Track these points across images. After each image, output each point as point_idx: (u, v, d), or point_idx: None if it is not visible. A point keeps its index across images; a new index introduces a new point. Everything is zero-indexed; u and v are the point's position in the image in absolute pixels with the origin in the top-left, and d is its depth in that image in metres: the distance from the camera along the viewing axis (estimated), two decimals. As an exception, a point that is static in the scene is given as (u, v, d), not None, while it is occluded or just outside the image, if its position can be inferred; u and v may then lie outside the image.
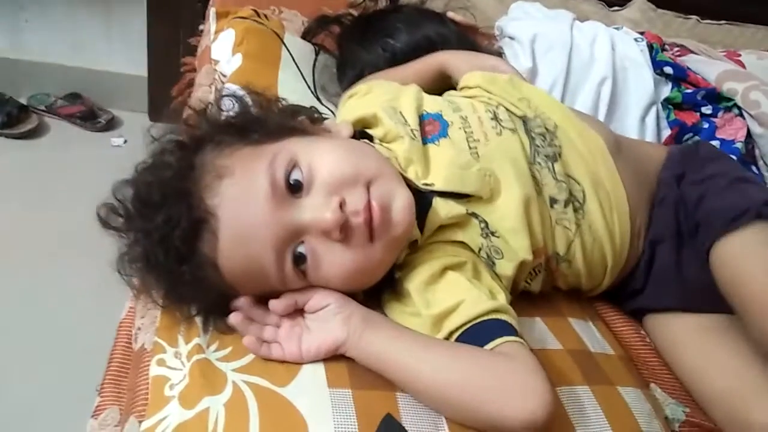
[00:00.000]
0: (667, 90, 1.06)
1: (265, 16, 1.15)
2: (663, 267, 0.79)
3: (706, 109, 1.03)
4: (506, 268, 0.69)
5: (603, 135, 0.80)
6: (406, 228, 0.63)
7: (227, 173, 0.60)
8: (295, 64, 1.07)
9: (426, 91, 0.82)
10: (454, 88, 0.89)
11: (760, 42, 1.59)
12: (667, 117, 1.03)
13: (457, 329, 0.61)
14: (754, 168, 1.00)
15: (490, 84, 0.82)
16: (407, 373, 0.58)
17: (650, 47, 1.11)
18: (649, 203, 0.81)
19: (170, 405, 0.56)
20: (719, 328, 0.76)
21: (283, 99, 0.77)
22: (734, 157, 0.97)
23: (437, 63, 0.93)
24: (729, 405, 0.69)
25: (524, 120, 0.76)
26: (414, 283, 0.65)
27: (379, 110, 0.76)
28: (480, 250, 0.70)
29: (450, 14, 1.07)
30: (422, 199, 0.68)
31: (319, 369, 0.59)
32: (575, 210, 0.74)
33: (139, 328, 0.70)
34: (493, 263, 0.70)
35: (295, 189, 0.61)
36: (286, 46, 1.08)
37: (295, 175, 0.61)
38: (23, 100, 1.98)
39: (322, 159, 0.62)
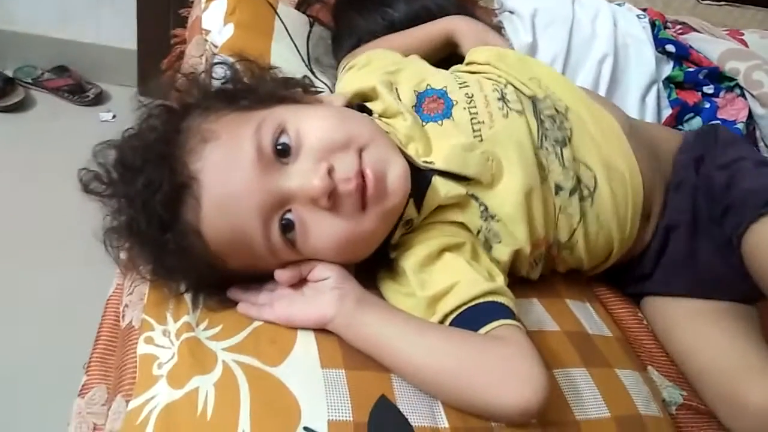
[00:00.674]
0: (668, 68, 1.05)
1: (258, -15, 1.12)
2: (675, 254, 0.77)
3: (708, 89, 1.01)
4: (503, 253, 0.68)
5: (617, 116, 0.77)
6: (401, 198, 0.61)
7: (212, 137, 0.58)
8: (289, 35, 1.04)
9: (430, 63, 0.80)
10: (458, 56, 0.86)
11: (761, 23, 1.58)
12: (669, 96, 1.02)
13: (452, 312, 0.59)
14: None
15: (499, 60, 0.78)
16: (399, 358, 0.56)
17: (652, 24, 1.09)
18: (664, 187, 0.78)
19: (158, 384, 0.55)
20: (719, 311, 0.75)
21: (276, 67, 0.74)
22: (735, 137, 0.95)
23: (445, 31, 0.90)
24: (722, 385, 0.68)
25: (533, 100, 0.73)
26: (410, 262, 0.64)
27: (378, 84, 0.73)
28: (479, 232, 0.68)
29: (449, -14, 1.04)
30: (421, 177, 0.66)
31: (312, 349, 0.58)
32: (582, 199, 0.71)
33: (126, 305, 0.69)
34: (491, 247, 0.68)
35: (282, 154, 0.59)
36: (279, 17, 1.05)
37: (283, 140, 0.59)
38: (9, 73, 1.94)
39: (311, 124, 0.60)
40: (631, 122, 0.79)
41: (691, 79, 1.02)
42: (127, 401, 0.56)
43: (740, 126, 0.97)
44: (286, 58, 0.99)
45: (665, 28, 1.11)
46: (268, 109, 0.62)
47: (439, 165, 0.67)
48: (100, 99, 2.00)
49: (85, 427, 0.59)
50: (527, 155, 0.69)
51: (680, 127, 1.01)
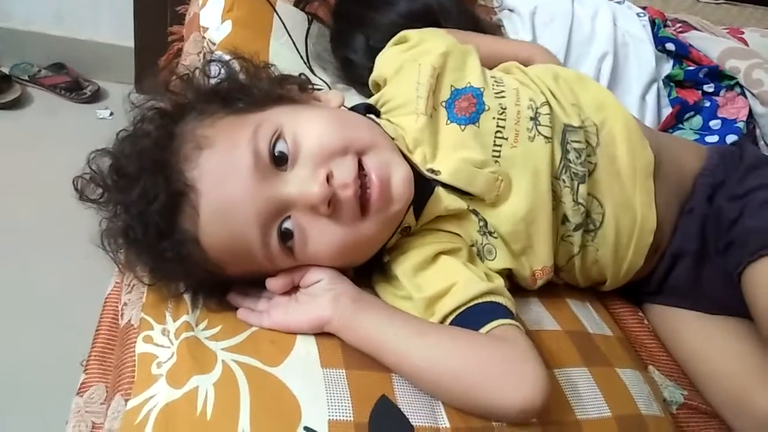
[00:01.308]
0: (668, 67, 1.05)
1: (257, -18, 1.11)
2: (681, 280, 0.76)
3: (708, 87, 1.01)
4: (495, 266, 0.67)
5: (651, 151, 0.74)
6: (403, 205, 0.60)
7: (207, 144, 0.57)
8: (288, 32, 1.03)
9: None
10: None
11: (759, 21, 1.58)
12: (669, 95, 1.02)
13: (450, 312, 0.59)
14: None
15: (551, 78, 0.75)
16: (399, 358, 0.56)
17: (652, 23, 1.09)
18: (679, 210, 0.76)
19: (158, 384, 0.54)
20: (725, 318, 0.74)
21: (272, 65, 0.73)
22: (735, 136, 0.95)
23: (528, 54, 0.90)
24: (729, 388, 0.68)
25: (566, 129, 0.70)
26: (403, 268, 0.63)
27: (414, 73, 0.71)
28: (473, 245, 0.67)
29: (449, -16, 1.04)
30: (424, 184, 0.65)
31: (312, 348, 0.57)
32: (586, 232, 0.70)
33: (125, 304, 0.68)
34: (482, 261, 0.67)
35: (279, 161, 0.58)
36: (278, 14, 1.05)
37: (280, 147, 0.58)
38: (6, 70, 1.93)
39: (308, 129, 0.59)
40: (660, 148, 0.75)
41: (692, 77, 1.02)
42: (126, 400, 0.55)
43: (741, 125, 0.96)
44: (284, 56, 0.99)
45: (665, 26, 1.11)
46: (264, 111, 0.61)
47: (444, 177, 0.66)
48: (97, 96, 1.98)
49: (84, 426, 0.59)
50: (541, 183, 0.67)
51: (681, 126, 1.01)
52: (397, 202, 0.59)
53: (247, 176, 0.56)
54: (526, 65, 0.81)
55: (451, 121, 0.69)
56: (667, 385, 0.70)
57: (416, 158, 0.67)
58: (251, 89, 0.64)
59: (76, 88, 1.96)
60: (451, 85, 0.72)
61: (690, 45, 1.06)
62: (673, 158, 0.77)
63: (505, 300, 0.61)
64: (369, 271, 0.66)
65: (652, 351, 0.75)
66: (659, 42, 1.05)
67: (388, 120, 0.71)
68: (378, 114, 0.73)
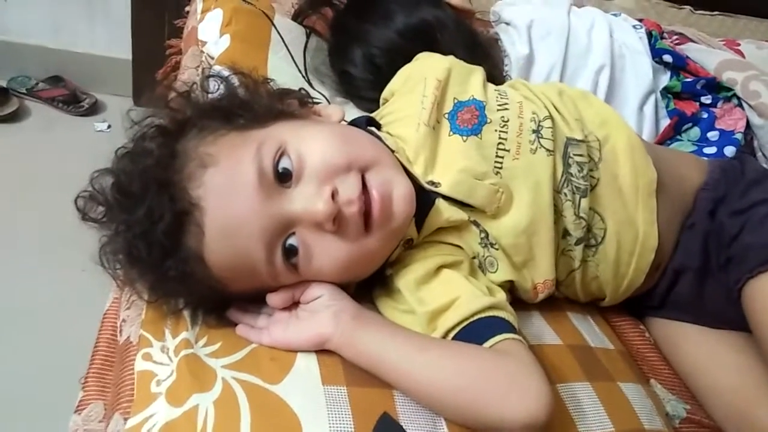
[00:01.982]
0: (665, 79, 1.05)
1: (255, -4, 1.11)
2: (684, 295, 0.76)
3: (706, 99, 1.02)
4: (496, 279, 0.67)
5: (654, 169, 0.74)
6: (405, 219, 0.60)
7: (211, 162, 0.57)
8: (286, 46, 1.03)
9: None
10: None
11: (753, 33, 1.59)
12: (666, 106, 1.02)
13: (453, 327, 0.59)
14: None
15: (555, 93, 0.75)
16: (401, 374, 0.55)
17: (649, 35, 1.09)
18: (681, 225, 0.76)
19: (157, 402, 0.54)
20: (728, 333, 0.74)
21: (271, 80, 0.73)
22: (733, 148, 0.95)
23: None
24: (732, 403, 0.68)
25: (568, 142, 0.70)
26: (405, 281, 0.63)
27: (421, 84, 0.72)
28: (475, 257, 0.67)
29: (446, -3, 1.04)
30: (425, 196, 0.65)
31: (313, 365, 0.57)
32: (587, 247, 0.70)
33: (124, 320, 0.67)
34: (484, 274, 0.67)
35: (283, 178, 0.58)
36: (276, 28, 1.05)
37: (284, 164, 0.58)
38: (3, 83, 1.93)
39: (311, 146, 0.59)
40: (661, 163, 0.75)
41: (689, 89, 1.02)
42: (126, 419, 0.55)
43: (738, 136, 0.97)
44: (283, 70, 0.99)
45: (662, 38, 1.11)
46: (266, 127, 0.61)
47: (444, 189, 0.66)
48: (94, 109, 1.99)
49: (83, 444, 0.58)
50: (542, 196, 0.67)
51: (678, 137, 1.01)
52: (399, 217, 0.59)
53: (252, 194, 0.56)
54: None
55: (454, 132, 0.69)
56: (669, 399, 0.70)
57: (417, 170, 0.67)
58: (252, 105, 0.64)
59: (74, 101, 1.96)
60: (455, 98, 0.72)
61: (687, 57, 1.06)
62: (674, 173, 0.77)
63: (508, 314, 0.60)
64: (370, 285, 0.66)
65: (654, 364, 0.75)
66: (656, 54, 1.06)
67: (389, 132, 0.71)
68: (378, 126, 0.73)
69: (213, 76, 0.70)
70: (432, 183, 0.67)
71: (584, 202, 0.69)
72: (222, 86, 0.68)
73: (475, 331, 0.58)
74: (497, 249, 0.67)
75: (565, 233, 0.69)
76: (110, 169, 0.61)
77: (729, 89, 1.01)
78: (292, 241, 0.58)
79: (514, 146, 0.68)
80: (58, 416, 0.66)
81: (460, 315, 0.59)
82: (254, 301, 0.62)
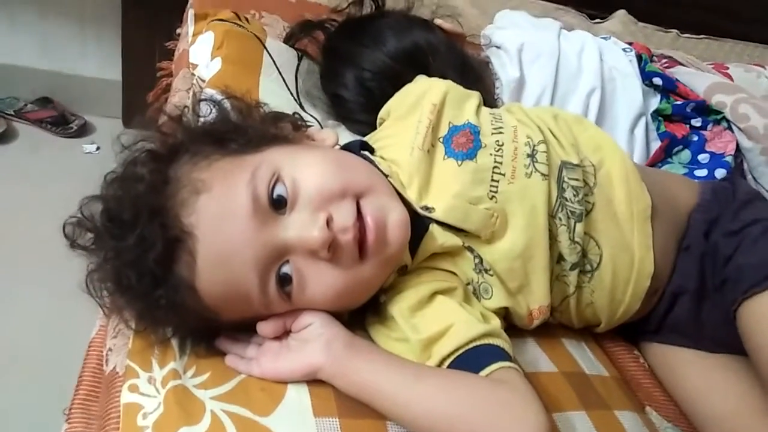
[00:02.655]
0: (655, 101, 1.05)
1: (246, 19, 1.11)
2: (680, 318, 0.76)
3: (696, 122, 1.02)
4: (491, 305, 0.66)
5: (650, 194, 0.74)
6: (400, 246, 0.60)
7: (204, 188, 0.56)
8: (277, 69, 1.03)
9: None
10: None
11: (739, 56, 1.61)
12: (657, 129, 1.02)
13: (448, 355, 0.58)
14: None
15: (550, 117, 0.75)
16: (396, 404, 0.54)
17: (639, 58, 1.10)
18: (676, 248, 0.76)
19: (143, 436, 0.52)
20: (726, 356, 0.74)
21: (264, 104, 0.72)
22: (724, 170, 0.96)
23: None
24: (732, 429, 0.67)
25: (563, 166, 0.70)
26: (399, 308, 0.62)
27: (415, 110, 0.73)
28: (469, 284, 0.67)
29: (437, 21, 1.05)
30: (419, 222, 0.64)
31: (304, 396, 0.56)
32: (583, 273, 0.70)
33: (110, 349, 0.66)
34: (479, 300, 0.67)
35: (278, 205, 0.57)
36: (267, 51, 1.05)
37: (279, 191, 0.57)
38: (-9, 104, 1.92)
39: (306, 172, 0.58)
40: (654, 186, 0.75)
41: (679, 111, 1.03)
42: (111, 453, 0.53)
43: (729, 159, 0.97)
44: (274, 93, 0.98)
45: (651, 61, 1.12)
46: (260, 153, 0.61)
47: (438, 215, 0.65)
48: (83, 130, 1.97)
49: (66, 479, 0.57)
50: (537, 221, 0.67)
51: (669, 160, 1.01)
52: (394, 244, 0.59)
53: (246, 221, 0.55)
54: None
55: (449, 156, 0.69)
56: (665, 426, 0.69)
57: (411, 195, 0.66)
58: (245, 130, 0.63)
59: (63, 123, 1.95)
60: (450, 122, 0.72)
61: (677, 80, 1.07)
62: (667, 195, 0.77)
63: (503, 342, 0.60)
64: (362, 313, 0.65)
65: (650, 391, 0.74)
66: (646, 76, 1.06)
67: (382, 157, 0.71)
68: (371, 151, 0.72)
69: (205, 99, 0.70)
70: (426, 208, 0.66)
71: (579, 227, 0.68)
72: (214, 110, 0.67)
73: (471, 359, 0.57)
74: (492, 275, 0.66)
75: (560, 258, 0.69)
76: (100, 195, 0.60)
77: (718, 112, 1.02)
78: (285, 269, 0.57)
79: (510, 170, 0.68)
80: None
81: (455, 343, 0.58)
82: (244, 329, 0.60)
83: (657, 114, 1.03)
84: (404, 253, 0.63)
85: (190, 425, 0.52)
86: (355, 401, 0.56)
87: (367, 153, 0.71)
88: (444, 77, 0.87)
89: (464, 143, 0.69)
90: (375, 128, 0.82)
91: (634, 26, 1.58)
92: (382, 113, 0.80)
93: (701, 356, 0.75)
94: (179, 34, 1.25)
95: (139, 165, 0.60)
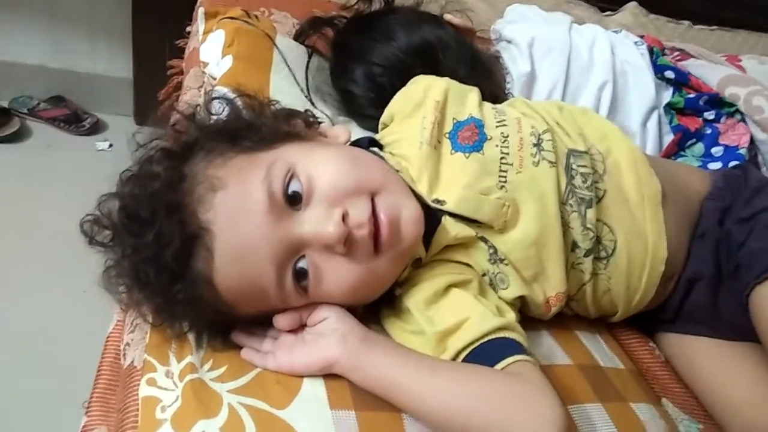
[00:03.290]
0: (668, 95, 1.05)
1: (256, 16, 1.12)
2: (697, 305, 0.76)
3: (709, 115, 1.01)
4: (508, 297, 0.66)
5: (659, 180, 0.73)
6: (413, 241, 0.60)
7: (220, 185, 0.57)
8: (288, 66, 1.03)
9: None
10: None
11: (752, 48, 1.59)
12: (670, 122, 1.02)
13: (464, 348, 0.58)
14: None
15: (555, 109, 0.76)
16: (412, 398, 0.55)
17: (650, 51, 1.09)
18: (690, 236, 0.76)
19: (162, 429, 0.53)
20: (744, 345, 0.73)
21: (276, 101, 0.73)
22: (738, 163, 0.95)
23: None
24: (752, 417, 0.67)
25: (570, 154, 0.70)
26: (415, 300, 0.62)
27: (420, 106, 0.73)
28: (484, 275, 0.67)
29: (447, 17, 1.05)
30: (431, 215, 0.64)
31: (320, 389, 0.56)
32: (597, 259, 0.70)
33: (127, 344, 0.67)
34: (496, 291, 0.67)
35: (293, 201, 0.58)
36: (278, 48, 1.05)
37: (294, 187, 0.58)
38: (4, 103, 1.94)
39: (321, 168, 0.59)
40: (665, 175, 0.75)
41: (692, 105, 1.02)
42: (130, 446, 0.54)
43: (743, 152, 0.96)
44: (285, 90, 0.99)
45: (663, 54, 1.11)
46: (274, 150, 0.61)
47: (450, 207, 0.66)
48: (96, 128, 1.99)
49: (86, 471, 0.58)
50: (548, 208, 0.67)
51: (682, 153, 1.01)
52: (408, 239, 0.59)
53: (262, 217, 0.56)
54: None
55: (456, 150, 0.70)
56: (681, 418, 0.69)
57: (421, 189, 0.67)
58: (258, 127, 0.64)
59: (75, 121, 1.96)
60: (453, 118, 0.72)
61: (689, 73, 1.06)
62: (679, 184, 0.77)
63: (518, 335, 0.60)
64: (377, 306, 0.65)
65: (665, 383, 0.74)
66: (658, 70, 1.06)
67: (391, 153, 0.71)
68: (380, 147, 0.73)
69: (217, 97, 0.70)
70: (437, 201, 0.66)
71: (590, 213, 0.69)
72: (227, 108, 0.68)
73: (486, 352, 0.57)
74: (507, 264, 0.67)
75: (574, 246, 0.69)
76: (117, 193, 0.60)
77: (732, 105, 1.01)
78: (302, 263, 0.58)
79: (517, 160, 0.68)
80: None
81: (471, 336, 0.58)
82: (260, 323, 0.61)
83: (669, 107, 1.03)
84: (418, 247, 0.64)
85: (207, 418, 0.53)
86: (371, 393, 0.56)
87: (376, 149, 0.71)
88: (454, 72, 0.87)
89: (470, 137, 0.70)
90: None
91: (645, 18, 1.57)
92: (384, 117, 0.80)
93: (718, 345, 0.75)
94: (189, 32, 1.26)
95: (154, 163, 0.61)
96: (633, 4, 1.57)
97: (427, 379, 0.55)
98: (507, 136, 0.70)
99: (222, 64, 1.01)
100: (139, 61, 1.87)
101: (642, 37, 1.15)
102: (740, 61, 1.14)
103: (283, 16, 1.25)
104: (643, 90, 1.03)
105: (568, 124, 0.74)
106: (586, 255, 0.69)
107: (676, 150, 1.00)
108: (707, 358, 0.74)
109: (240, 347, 0.61)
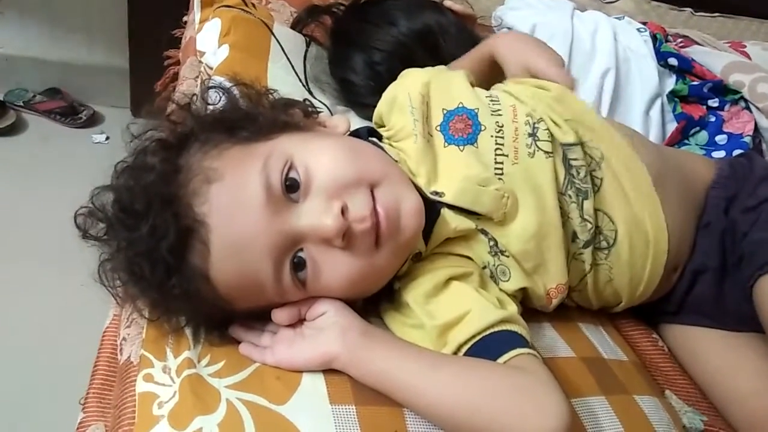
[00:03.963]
0: (671, 82, 1.04)
1: (253, 5, 1.10)
2: (702, 296, 0.75)
3: (713, 102, 1.00)
4: (509, 289, 0.65)
5: (649, 162, 0.72)
6: (413, 233, 0.59)
7: (216, 177, 0.55)
8: (285, 55, 1.02)
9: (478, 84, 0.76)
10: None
11: (754, 34, 1.58)
12: (674, 110, 1.01)
13: (465, 342, 0.57)
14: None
15: (537, 99, 0.72)
16: (414, 393, 0.54)
17: (654, 38, 1.08)
18: (695, 226, 0.75)
19: (159, 425, 0.52)
20: (748, 336, 0.73)
21: (274, 90, 0.71)
22: (742, 151, 0.94)
23: (488, 56, 0.84)
24: (756, 408, 0.67)
25: (565, 146, 0.68)
26: (414, 294, 0.61)
27: (405, 98, 0.70)
28: (485, 267, 0.66)
29: (447, 3, 1.03)
30: (430, 208, 0.63)
31: (320, 384, 0.55)
32: (599, 249, 0.69)
33: (124, 339, 0.66)
34: (497, 283, 0.66)
35: (291, 192, 0.56)
36: (275, 37, 1.04)
37: (292, 176, 0.56)
38: (0, 96, 1.92)
39: (319, 160, 0.57)
40: (664, 158, 0.74)
41: (696, 92, 1.01)
42: (127, 443, 0.53)
43: (747, 140, 0.95)
44: (283, 79, 0.97)
45: (666, 41, 1.10)
46: (271, 140, 0.60)
47: (449, 198, 0.64)
48: (92, 121, 1.98)
49: (83, 468, 0.57)
50: (547, 199, 0.66)
51: (686, 141, 0.99)
52: (407, 231, 0.58)
53: (259, 210, 0.54)
54: (501, 66, 0.80)
55: (449, 143, 0.68)
56: (685, 410, 0.68)
57: (420, 181, 0.65)
58: (255, 117, 0.62)
59: (72, 113, 1.95)
60: (443, 108, 0.70)
61: (693, 60, 1.05)
62: (685, 173, 0.76)
63: (521, 328, 0.59)
64: (377, 300, 0.64)
65: (668, 374, 0.73)
66: (661, 57, 1.05)
67: (390, 144, 0.70)
68: (379, 137, 0.71)
69: (214, 87, 0.68)
70: (436, 193, 0.65)
71: (587, 204, 0.67)
72: (223, 98, 0.66)
73: (489, 346, 0.56)
74: (507, 256, 0.65)
75: (574, 237, 0.68)
76: (111, 185, 0.59)
77: (736, 92, 1.00)
78: (300, 256, 0.56)
79: (512, 151, 0.67)
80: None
81: (473, 329, 0.57)
82: (258, 318, 0.60)
83: (673, 95, 1.02)
84: (418, 239, 0.62)
85: (205, 414, 0.52)
86: (371, 388, 0.55)
87: (375, 140, 0.70)
88: (455, 59, 0.86)
89: (462, 129, 0.68)
90: None
91: (647, 5, 1.55)
92: (375, 119, 0.78)
93: (722, 335, 0.74)
94: (186, 22, 1.24)
95: (149, 154, 0.59)
96: (634, -9, 1.55)
97: (429, 374, 0.54)
98: (502, 126, 0.68)
99: (219, 53, 1.00)
100: (135, 53, 1.85)
101: (645, 23, 1.13)
102: (744, 47, 1.13)
103: (280, 5, 1.23)
104: (646, 77, 1.02)
105: (556, 111, 0.71)
106: (585, 246, 0.68)
107: (679, 138, 0.99)
108: (711, 349, 0.74)
109: (238, 342, 0.60)
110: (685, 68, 1.04)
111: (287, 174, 0.56)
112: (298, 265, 0.57)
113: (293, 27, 1.12)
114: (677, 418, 0.66)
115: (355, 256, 0.56)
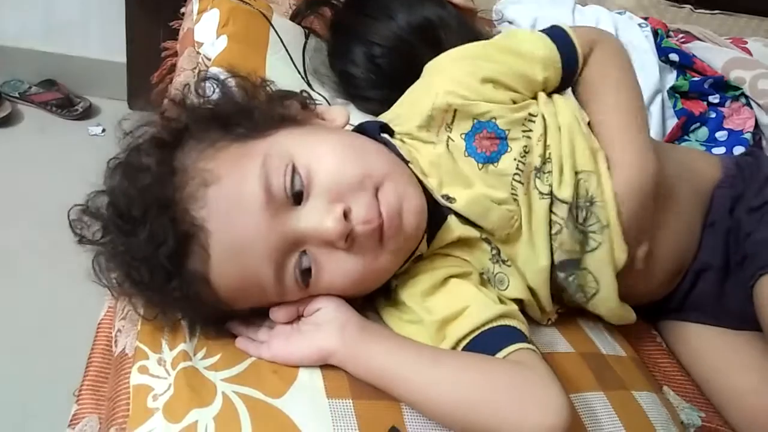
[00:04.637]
0: (672, 78, 1.03)
1: (252, -4, 1.09)
2: (704, 295, 0.75)
3: (714, 98, 1.00)
4: (507, 296, 0.64)
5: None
6: (414, 231, 0.58)
7: (213, 179, 0.54)
8: (284, 47, 1.01)
9: None
10: None
11: (754, 32, 1.57)
12: (674, 106, 1.00)
13: (464, 337, 0.57)
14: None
15: (562, 132, 0.65)
16: (413, 389, 0.53)
17: (655, 33, 1.07)
18: (701, 225, 0.74)
19: (154, 418, 0.51)
20: (748, 334, 0.73)
21: (271, 82, 0.68)
22: (742, 148, 0.94)
23: None
24: (754, 405, 0.67)
25: (555, 198, 0.64)
26: (410, 293, 0.61)
27: (439, 101, 0.65)
28: (483, 273, 0.65)
29: (448, -5, 1.02)
30: (437, 211, 0.62)
31: (317, 378, 0.55)
32: (585, 298, 0.68)
33: (119, 330, 0.65)
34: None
35: (294, 196, 0.55)
36: (274, 28, 1.03)
37: (297, 184, 0.55)
38: (-5, 87, 1.91)
39: (321, 160, 0.56)
40: (669, 162, 0.70)
41: (697, 88, 1.00)
42: (121, 436, 0.52)
43: (747, 136, 0.95)
44: (281, 71, 0.97)
45: (667, 36, 1.09)
46: (269, 137, 0.58)
47: (459, 206, 0.63)
48: (88, 113, 1.96)
49: (77, 460, 0.56)
50: (541, 242, 0.64)
51: (686, 137, 0.99)
52: (409, 231, 0.57)
53: (258, 213, 0.53)
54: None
55: (469, 155, 0.64)
56: (683, 406, 0.68)
57: (432, 183, 0.64)
58: (251, 111, 0.60)
59: (68, 105, 1.94)
60: (474, 117, 0.65)
61: (693, 55, 1.04)
62: (691, 172, 0.75)
63: (520, 323, 0.58)
64: (373, 296, 0.63)
65: (667, 371, 0.73)
66: (662, 52, 1.04)
67: (402, 141, 0.67)
68: (391, 133, 0.68)
69: (208, 78, 0.66)
70: (447, 197, 0.63)
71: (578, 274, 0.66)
72: (218, 90, 0.64)
73: (487, 340, 0.56)
74: (510, 266, 0.64)
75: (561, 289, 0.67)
76: (105, 188, 0.57)
77: (737, 88, 1.00)
78: (304, 260, 0.55)
79: (526, 179, 0.64)
80: (54, 429, 0.64)
81: (471, 324, 0.57)
82: (256, 313, 0.59)
83: (674, 91, 1.01)
84: (421, 238, 0.61)
85: (201, 407, 0.51)
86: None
87: (386, 136, 0.67)
88: None
89: (488, 146, 0.64)
90: (384, 105, 0.78)
91: (647, 1, 1.55)
92: (391, 115, 0.72)
93: (722, 333, 0.74)
94: (184, 13, 1.23)
95: (143, 153, 0.57)
96: (635, -14, 1.54)
97: (428, 370, 0.54)
98: (528, 152, 0.64)
99: (217, 44, 0.99)
100: (132, 45, 1.84)
101: (646, 19, 1.13)
102: (746, 43, 1.13)
103: (279, -4, 1.22)
104: (646, 73, 1.01)
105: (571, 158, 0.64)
106: (574, 293, 0.67)
107: (680, 134, 0.99)
108: (709, 346, 0.74)
109: (234, 336, 0.59)
110: (685, 64, 1.03)
111: (291, 179, 0.54)
112: (305, 270, 0.56)
113: (292, 18, 1.12)
114: (675, 413, 0.66)
115: (358, 256, 0.55)
